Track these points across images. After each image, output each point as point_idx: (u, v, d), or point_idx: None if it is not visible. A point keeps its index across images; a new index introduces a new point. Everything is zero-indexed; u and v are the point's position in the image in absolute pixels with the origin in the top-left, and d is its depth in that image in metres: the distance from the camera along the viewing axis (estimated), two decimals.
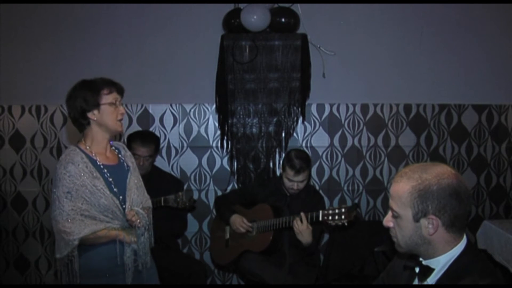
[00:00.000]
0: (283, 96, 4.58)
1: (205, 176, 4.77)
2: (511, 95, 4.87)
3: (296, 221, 3.60)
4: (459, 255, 1.88)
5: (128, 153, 3.12)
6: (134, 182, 2.99)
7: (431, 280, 1.92)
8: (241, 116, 4.61)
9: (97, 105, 2.81)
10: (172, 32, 4.64)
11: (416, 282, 1.99)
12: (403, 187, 1.89)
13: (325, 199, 4.55)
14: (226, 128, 4.64)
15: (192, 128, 4.73)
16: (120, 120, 2.91)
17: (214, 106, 4.65)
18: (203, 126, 4.73)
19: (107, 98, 2.84)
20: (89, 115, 2.82)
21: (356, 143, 4.80)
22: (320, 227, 3.80)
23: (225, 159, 4.76)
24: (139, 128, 4.65)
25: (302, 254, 3.91)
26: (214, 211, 4.60)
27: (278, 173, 4.04)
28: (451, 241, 1.89)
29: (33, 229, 4.80)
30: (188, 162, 4.75)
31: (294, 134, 4.70)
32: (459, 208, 1.84)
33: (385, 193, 4.84)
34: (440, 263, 1.90)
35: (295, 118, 4.64)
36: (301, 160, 3.86)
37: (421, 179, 1.86)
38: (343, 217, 3.42)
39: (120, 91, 2.92)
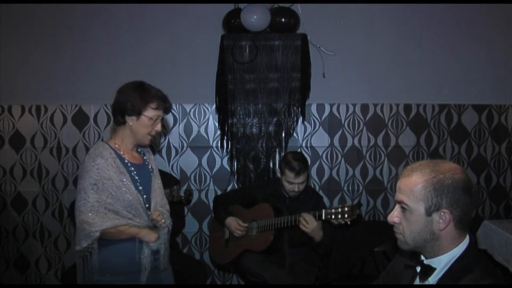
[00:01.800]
0: (283, 96, 4.58)
1: (205, 176, 4.77)
2: (511, 95, 4.87)
3: (302, 224, 3.59)
4: (461, 255, 1.88)
5: (152, 156, 3.19)
6: (158, 185, 3.06)
7: (432, 279, 1.91)
8: (241, 116, 4.61)
9: (138, 113, 2.86)
10: (172, 32, 4.64)
11: (417, 281, 1.99)
12: (416, 180, 1.88)
13: (325, 199, 4.56)
14: (226, 128, 4.64)
15: (192, 128, 4.73)
16: (152, 135, 2.95)
17: (214, 106, 4.65)
18: (203, 126, 4.73)
19: (150, 112, 2.88)
20: (127, 118, 2.87)
21: (356, 143, 4.80)
22: (327, 226, 3.79)
23: (225, 159, 4.76)
24: None
25: (317, 252, 3.92)
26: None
27: (277, 174, 4.04)
28: (456, 239, 1.89)
29: (33, 229, 4.79)
30: (188, 162, 4.75)
31: (294, 134, 4.70)
32: (470, 203, 1.85)
33: (385, 193, 4.85)
34: (441, 263, 1.90)
35: (295, 118, 4.65)
36: (300, 161, 3.86)
37: (435, 173, 1.86)
38: (346, 215, 3.41)
39: (167, 110, 2.98)
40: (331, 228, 3.72)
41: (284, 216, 3.77)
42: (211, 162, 4.77)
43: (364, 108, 4.78)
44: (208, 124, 4.74)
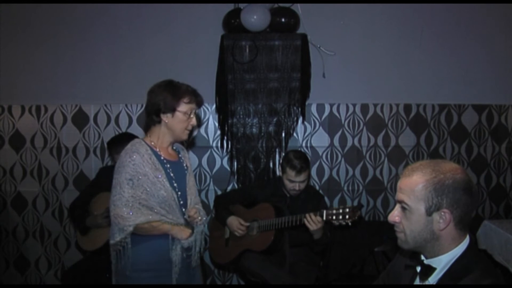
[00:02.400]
0: (283, 96, 4.58)
1: (205, 176, 4.77)
2: (511, 95, 4.87)
3: (308, 222, 3.59)
4: (461, 255, 1.88)
5: (187, 154, 3.23)
6: (192, 183, 3.11)
7: (432, 279, 1.91)
8: (241, 116, 4.61)
9: (173, 110, 2.90)
10: (172, 32, 4.65)
11: (417, 281, 1.99)
12: (416, 180, 1.88)
13: (325, 199, 4.55)
14: (226, 128, 4.64)
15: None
16: (189, 130, 3.00)
17: (214, 106, 4.65)
18: (203, 126, 4.73)
19: (184, 106, 2.92)
20: (163, 116, 2.91)
21: (356, 143, 4.80)
22: (327, 226, 3.80)
23: (225, 159, 4.76)
24: (139, 128, 4.65)
25: (312, 249, 3.93)
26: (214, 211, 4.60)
27: (278, 173, 4.04)
28: (456, 239, 1.89)
29: (33, 229, 4.80)
30: None
31: (294, 134, 4.70)
32: (470, 204, 1.85)
33: (385, 193, 4.85)
34: (442, 262, 1.90)
35: (295, 118, 4.65)
36: (301, 160, 3.87)
37: (436, 173, 1.86)
38: (347, 216, 3.41)
39: (199, 104, 3.04)
40: (329, 227, 3.75)
41: (285, 216, 3.76)
42: (211, 162, 4.77)
43: (364, 108, 4.78)
44: (208, 124, 4.74)
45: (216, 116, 4.66)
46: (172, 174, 2.95)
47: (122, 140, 3.89)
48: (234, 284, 4.93)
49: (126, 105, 4.71)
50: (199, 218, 2.99)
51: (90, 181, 4.36)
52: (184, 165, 3.11)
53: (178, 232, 2.91)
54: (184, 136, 3.00)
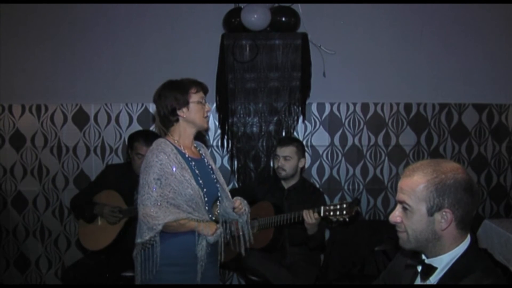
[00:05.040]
0: (283, 95, 4.58)
1: None
2: None
3: (306, 214, 3.60)
4: (462, 254, 1.89)
5: (207, 151, 3.32)
6: (222, 180, 3.22)
7: (433, 279, 1.91)
8: (242, 115, 4.61)
9: (186, 103, 3.00)
10: (172, 31, 4.65)
11: (418, 281, 1.99)
12: (417, 180, 1.88)
13: (326, 198, 4.55)
14: (226, 127, 4.64)
15: None
16: (206, 117, 3.10)
17: (215, 105, 4.65)
18: None
19: (195, 96, 3.03)
20: (179, 112, 3.00)
21: (356, 142, 4.80)
22: (323, 222, 3.82)
23: (226, 158, 4.76)
24: (140, 128, 4.65)
25: (307, 245, 3.95)
26: None
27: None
28: (458, 239, 1.89)
29: (33, 229, 4.80)
30: None
31: (295, 133, 4.69)
32: (471, 203, 1.86)
33: (386, 192, 4.85)
34: (443, 262, 1.90)
35: (296, 117, 4.64)
36: (287, 136, 4.23)
37: (437, 173, 1.86)
38: (344, 212, 3.42)
39: (205, 90, 3.14)
40: (325, 224, 3.82)
41: (285, 214, 3.79)
42: None
43: (365, 107, 4.78)
44: (208, 123, 4.73)
45: (217, 115, 4.66)
46: (197, 171, 3.01)
47: (147, 137, 3.93)
48: (235, 284, 4.93)
49: (126, 105, 4.71)
50: (244, 208, 3.17)
51: (95, 178, 4.35)
52: (206, 162, 3.18)
53: (204, 228, 2.96)
54: (205, 124, 3.11)
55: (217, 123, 4.70)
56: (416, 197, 1.87)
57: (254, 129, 4.64)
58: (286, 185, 4.12)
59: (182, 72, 4.53)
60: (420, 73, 4.75)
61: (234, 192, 4.32)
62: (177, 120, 3.02)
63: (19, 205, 4.78)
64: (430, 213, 1.86)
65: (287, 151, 3.99)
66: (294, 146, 4.03)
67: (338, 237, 4.39)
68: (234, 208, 3.16)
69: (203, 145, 3.30)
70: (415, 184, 1.88)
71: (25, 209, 4.78)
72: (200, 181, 2.99)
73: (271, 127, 4.64)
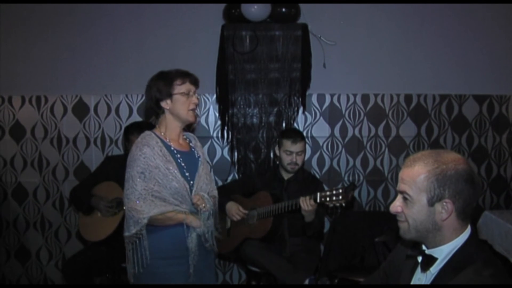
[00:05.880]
0: (283, 86, 4.57)
1: None
2: None
3: (302, 201, 3.62)
4: (463, 245, 1.89)
5: (199, 143, 3.28)
6: (205, 171, 3.14)
7: (433, 269, 1.91)
8: (242, 106, 4.61)
9: (169, 95, 2.97)
10: (172, 22, 4.63)
11: (418, 271, 1.99)
12: (418, 171, 1.88)
13: (324, 187, 4.56)
14: (226, 118, 4.64)
15: None
16: (193, 110, 3.03)
17: (215, 96, 4.65)
18: (204, 116, 4.72)
19: (179, 88, 2.98)
20: (163, 104, 2.98)
21: (356, 133, 4.80)
22: (321, 209, 3.83)
23: (226, 149, 4.76)
24: (140, 119, 4.65)
25: (305, 233, 3.97)
26: None
27: (277, 152, 4.10)
28: (458, 229, 1.89)
29: (33, 220, 4.80)
30: None
31: (295, 124, 4.68)
32: (472, 194, 1.86)
33: (386, 183, 4.85)
34: (443, 253, 1.90)
35: (296, 108, 4.64)
36: (295, 131, 4.13)
37: (438, 164, 1.86)
38: (340, 197, 3.44)
39: (194, 82, 3.06)
40: (322, 211, 3.89)
41: (282, 202, 3.81)
42: (212, 152, 4.76)
43: (365, 98, 4.77)
44: (209, 114, 4.73)
45: (217, 106, 4.66)
46: (183, 164, 3.00)
47: (141, 130, 3.89)
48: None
49: (126, 96, 4.70)
50: (203, 205, 3.00)
51: (95, 169, 4.37)
52: (196, 153, 3.15)
53: (192, 220, 2.97)
54: (190, 117, 3.04)
55: (217, 114, 4.69)
56: (417, 188, 1.87)
57: (254, 120, 4.64)
58: (286, 176, 4.13)
59: (182, 63, 4.51)
60: (421, 64, 4.74)
61: (234, 184, 4.35)
62: (163, 112, 3.02)
63: (20, 197, 4.79)
64: (431, 203, 1.86)
65: (300, 146, 4.00)
66: (304, 140, 4.06)
67: (338, 228, 4.39)
68: (192, 204, 3.03)
69: (194, 137, 3.27)
70: (416, 175, 1.88)
71: (26, 200, 4.79)
72: (186, 174, 2.99)
73: (271, 118, 4.64)
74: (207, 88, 4.63)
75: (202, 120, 4.73)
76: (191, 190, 2.99)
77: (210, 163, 4.74)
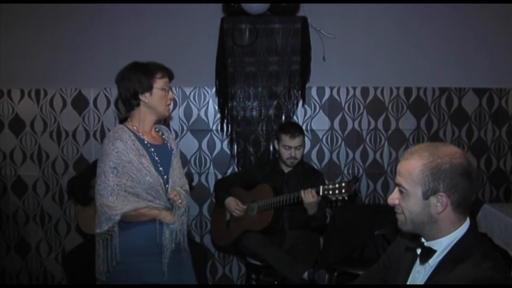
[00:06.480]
0: (283, 79, 4.57)
1: (205, 159, 4.77)
2: None
3: (304, 193, 3.62)
4: (462, 237, 1.89)
5: (172, 136, 3.22)
6: (178, 165, 3.09)
7: (432, 261, 1.92)
8: (241, 99, 4.61)
9: (150, 88, 2.91)
10: (171, 15, 4.61)
11: (417, 264, 2.00)
12: (414, 164, 1.89)
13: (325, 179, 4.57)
14: (226, 112, 4.63)
15: (192, 112, 4.72)
16: (169, 105, 3.01)
17: (214, 89, 4.64)
18: (203, 110, 4.72)
19: (160, 82, 2.93)
20: (141, 97, 2.91)
21: (356, 126, 4.79)
22: (323, 202, 3.85)
23: (225, 143, 4.76)
24: None
25: (309, 226, 4.00)
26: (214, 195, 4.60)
27: (276, 145, 4.11)
28: (456, 222, 1.90)
29: (33, 213, 4.80)
30: (188, 145, 4.74)
31: (294, 117, 4.68)
32: (469, 188, 1.86)
33: (385, 176, 4.85)
34: (442, 245, 1.91)
35: (295, 101, 4.63)
36: (294, 125, 4.11)
37: (433, 157, 1.87)
38: (343, 191, 3.46)
39: (171, 77, 3.02)
40: (325, 203, 3.93)
41: (283, 195, 3.82)
42: (211, 145, 4.76)
43: (365, 91, 4.76)
44: (208, 107, 4.73)
45: (216, 100, 4.65)
46: (157, 158, 2.94)
47: None
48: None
49: None
50: (179, 201, 2.97)
51: (93, 161, 4.36)
52: (169, 146, 3.10)
53: (166, 216, 2.92)
54: (167, 113, 3.02)
55: (216, 107, 4.69)
56: (412, 181, 1.89)
57: (254, 113, 4.64)
58: (286, 169, 4.13)
59: (182, 55, 4.57)
60: (420, 57, 4.73)
61: (233, 177, 4.35)
62: (138, 105, 2.94)
63: (19, 190, 4.78)
64: (426, 196, 1.87)
65: (298, 141, 4.01)
66: (302, 134, 4.07)
67: (338, 221, 4.40)
68: (168, 199, 2.98)
69: (166, 129, 3.20)
70: (412, 168, 1.89)
71: (25, 194, 4.78)
72: (160, 168, 2.94)
73: (271, 111, 4.64)
74: (206, 81, 4.63)
75: (202, 113, 4.72)
76: (165, 185, 2.94)
77: (209, 156, 4.75)
